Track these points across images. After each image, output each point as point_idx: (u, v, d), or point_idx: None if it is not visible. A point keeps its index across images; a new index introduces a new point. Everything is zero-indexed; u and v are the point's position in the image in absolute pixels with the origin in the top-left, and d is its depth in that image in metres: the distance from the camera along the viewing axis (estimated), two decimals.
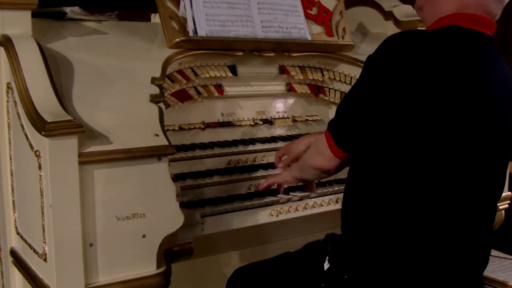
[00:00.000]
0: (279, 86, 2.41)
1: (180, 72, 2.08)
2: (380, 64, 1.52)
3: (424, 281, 1.52)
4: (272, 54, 2.25)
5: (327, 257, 1.67)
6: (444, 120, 1.46)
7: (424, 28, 1.70)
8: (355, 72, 2.39)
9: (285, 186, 2.05)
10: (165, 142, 1.65)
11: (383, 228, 1.54)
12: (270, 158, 2.27)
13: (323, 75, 2.44)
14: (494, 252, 2.64)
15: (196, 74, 2.11)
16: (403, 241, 1.52)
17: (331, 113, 2.55)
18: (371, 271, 1.54)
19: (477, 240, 1.59)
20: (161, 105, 1.77)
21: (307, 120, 2.50)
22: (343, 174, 1.77)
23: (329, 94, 2.48)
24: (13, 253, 1.81)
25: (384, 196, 1.54)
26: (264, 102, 2.39)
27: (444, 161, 1.48)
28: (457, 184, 1.51)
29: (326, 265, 1.66)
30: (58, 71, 1.71)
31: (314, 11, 2.37)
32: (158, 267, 1.66)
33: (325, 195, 2.15)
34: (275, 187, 2.03)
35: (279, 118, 2.42)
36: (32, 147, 1.57)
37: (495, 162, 1.59)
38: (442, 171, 1.49)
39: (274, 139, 2.32)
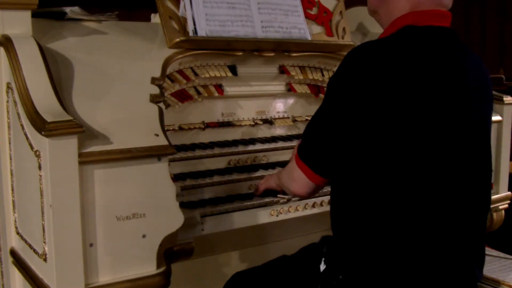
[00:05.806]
0: (279, 86, 2.41)
1: (180, 72, 2.08)
2: (345, 83, 1.51)
3: (416, 277, 1.52)
4: (272, 54, 2.25)
5: (323, 259, 1.67)
6: (421, 120, 1.47)
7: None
8: None
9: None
10: (165, 142, 1.65)
11: (372, 228, 1.54)
12: (270, 158, 2.28)
13: (323, 75, 2.44)
14: (494, 252, 2.64)
15: (196, 74, 2.11)
16: (391, 240, 1.52)
17: None
18: (364, 271, 1.54)
19: (468, 235, 1.59)
20: (161, 105, 1.77)
21: (307, 120, 2.48)
22: None
23: None
24: (13, 253, 1.81)
25: (370, 198, 1.53)
26: (264, 102, 2.39)
27: (426, 159, 1.49)
28: (441, 179, 1.51)
29: (322, 267, 1.66)
30: (58, 71, 1.71)
31: (314, 11, 2.37)
32: (158, 267, 1.66)
33: (325, 195, 2.15)
34: None
35: (279, 118, 2.42)
36: (32, 147, 1.57)
37: (476, 154, 1.59)
38: (425, 169, 1.49)
39: (274, 139, 2.32)
